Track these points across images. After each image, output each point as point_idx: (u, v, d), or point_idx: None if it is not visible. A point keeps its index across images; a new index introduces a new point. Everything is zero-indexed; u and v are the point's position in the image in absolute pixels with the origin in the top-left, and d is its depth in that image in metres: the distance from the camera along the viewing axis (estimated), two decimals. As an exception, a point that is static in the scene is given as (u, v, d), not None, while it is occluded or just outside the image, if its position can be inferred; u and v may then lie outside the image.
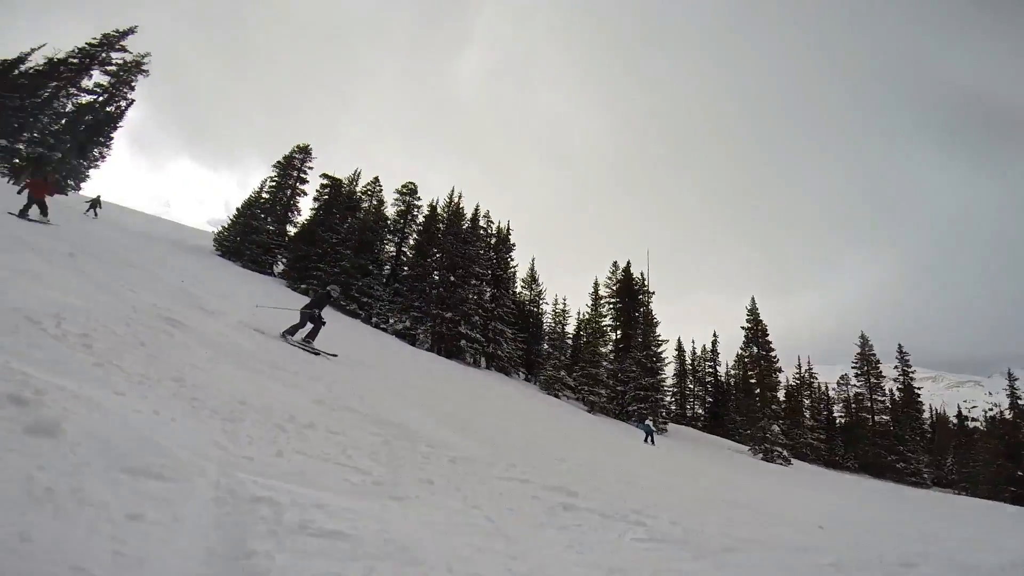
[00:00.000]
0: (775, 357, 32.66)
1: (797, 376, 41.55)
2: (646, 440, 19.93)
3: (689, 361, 47.00)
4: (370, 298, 29.76)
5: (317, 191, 34.38)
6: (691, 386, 46.97)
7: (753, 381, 32.39)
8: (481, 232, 33.80)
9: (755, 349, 32.58)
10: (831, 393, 43.44)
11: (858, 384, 38.45)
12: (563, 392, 28.33)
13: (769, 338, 32.54)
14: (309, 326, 9.18)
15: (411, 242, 33.64)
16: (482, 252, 31.95)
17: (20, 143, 25.79)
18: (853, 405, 39.22)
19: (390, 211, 34.72)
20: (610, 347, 32.76)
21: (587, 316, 34.36)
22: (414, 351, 24.18)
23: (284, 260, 32.59)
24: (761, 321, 32.78)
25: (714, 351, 46.43)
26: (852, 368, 38.76)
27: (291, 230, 33.84)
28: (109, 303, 5.49)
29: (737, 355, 34.86)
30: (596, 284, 34.73)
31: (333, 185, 34.37)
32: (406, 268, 31.57)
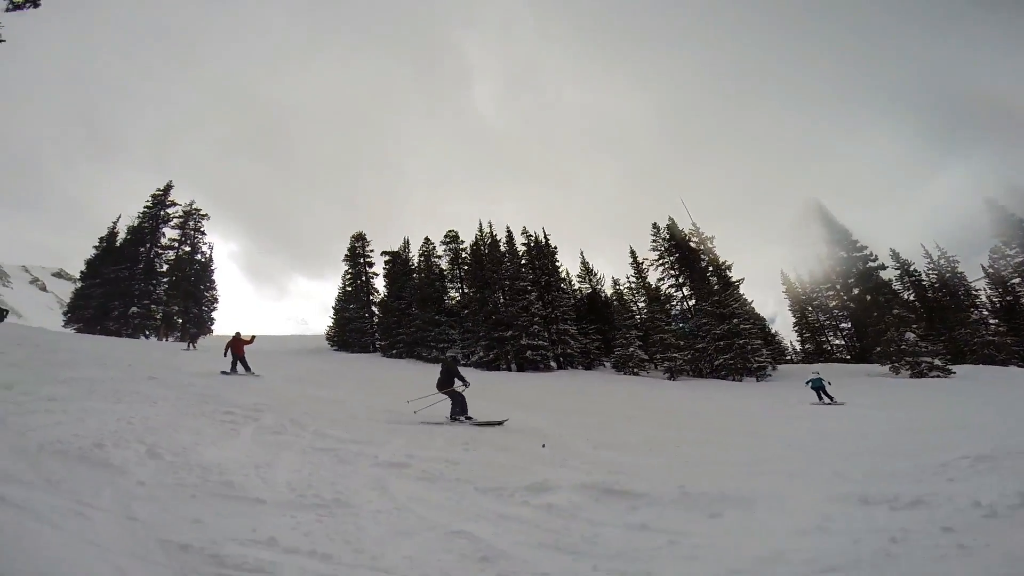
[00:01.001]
0: (873, 256, 28.77)
1: (931, 266, 35.08)
2: (821, 400, 15.36)
3: (800, 291, 42.40)
4: (447, 343, 33.29)
5: (384, 267, 39.66)
6: (816, 317, 42.11)
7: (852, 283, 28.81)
8: (522, 249, 35.83)
9: (842, 253, 29.19)
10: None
11: (1012, 252, 31.33)
12: (640, 369, 28.25)
13: (855, 239, 28.94)
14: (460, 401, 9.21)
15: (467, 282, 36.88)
16: (524, 264, 33.81)
17: (151, 305, 33.64)
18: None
19: (444, 262, 38.65)
20: (682, 306, 31.88)
21: (629, 284, 33.93)
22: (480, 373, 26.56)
23: (379, 335, 37.98)
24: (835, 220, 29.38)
25: (823, 272, 41.24)
26: (993, 236, 31.90)
27: (377, 309, 39.35)
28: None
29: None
30: (632, 252, 34.53)
31: (392, 258, 39.39)
32: (466, 308, 34.63)
